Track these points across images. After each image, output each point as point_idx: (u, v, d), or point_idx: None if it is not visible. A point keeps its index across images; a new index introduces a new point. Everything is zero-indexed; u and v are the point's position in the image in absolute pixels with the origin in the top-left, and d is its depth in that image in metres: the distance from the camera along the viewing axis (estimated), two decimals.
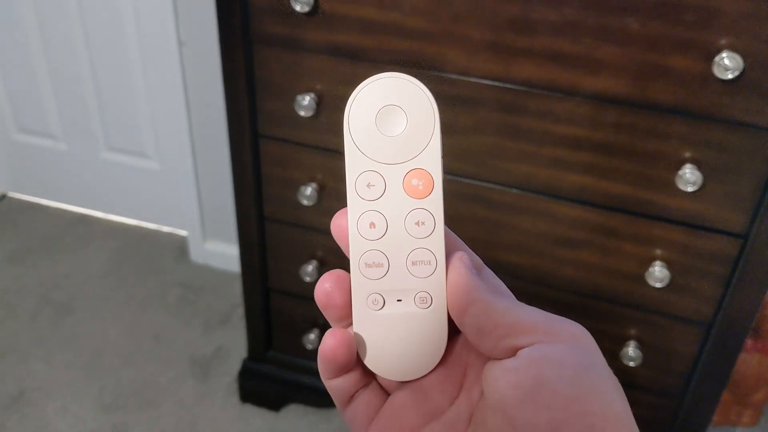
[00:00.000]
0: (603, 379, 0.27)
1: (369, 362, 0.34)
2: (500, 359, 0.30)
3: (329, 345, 0.33)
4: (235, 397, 1.50)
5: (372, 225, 0.33)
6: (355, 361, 0.34)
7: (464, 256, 0.33)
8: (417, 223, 0.33)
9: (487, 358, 0.32)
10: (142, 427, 1.44)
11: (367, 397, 0.34)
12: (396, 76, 0.33)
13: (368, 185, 0.33)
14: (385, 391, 0.35)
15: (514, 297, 0.33)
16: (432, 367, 0.34)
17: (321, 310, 0.34)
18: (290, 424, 1.45)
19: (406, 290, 0.33)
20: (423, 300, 0.33)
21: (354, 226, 0.33)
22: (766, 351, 1.32)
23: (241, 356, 1.55)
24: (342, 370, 0.33)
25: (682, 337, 1.06)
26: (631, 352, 1.07)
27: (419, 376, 0.34)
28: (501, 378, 0.28)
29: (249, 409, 1.48)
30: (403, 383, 0.34)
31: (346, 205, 0.33)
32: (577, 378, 0.27)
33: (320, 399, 1.41)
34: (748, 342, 1.32)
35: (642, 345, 1.08)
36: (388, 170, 0.33)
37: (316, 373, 1.31)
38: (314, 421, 1.45)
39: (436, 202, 0.33)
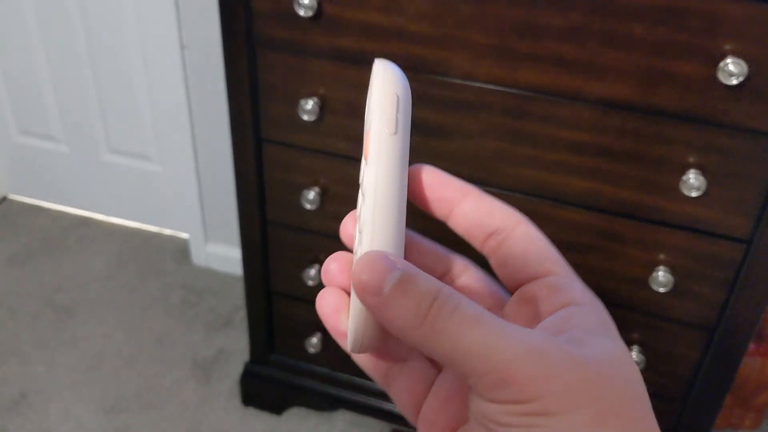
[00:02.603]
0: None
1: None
2: None
3: (325, 312, 0.30)
4: (237, 400, 1.50)
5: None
6: None
7: None
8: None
9: None
10: (144, 430, 1.44)
11: (408, 382, 0.31)
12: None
13: None
14: (428, 369, 0.31)
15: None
16: None
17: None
18: (292, 427, 1.45)
19: None
20: None
21: None
22: None
23: (243, 359, 1.55)
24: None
25: (685, 342, 1.07)
26: (635, 356, 1.07)
27: None
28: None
29: (251, 412, 1.48)
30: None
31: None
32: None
33: (322, 402, 1.41)
34: (751, 346, 1.32)
35: (645, 349, 1.08)
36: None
37: (319, 376, 1.31)
38: (316, 424, 1.45)
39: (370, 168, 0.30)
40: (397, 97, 0.30)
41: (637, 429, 0.24)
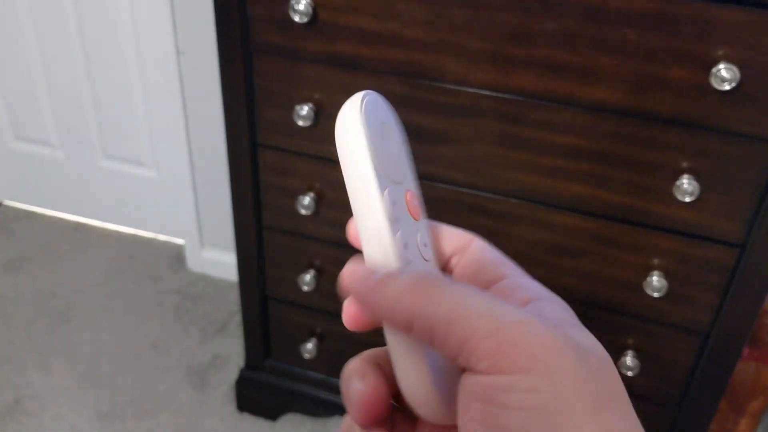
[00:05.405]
0: (558, 421, 0.23)
1: (412, 403, 0.30)
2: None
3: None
4: (232, 406, 1.49)
5: (406, 246, 0.29)
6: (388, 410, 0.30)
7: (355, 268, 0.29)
8: (425, 245, 0.31)
9: None
10: None
11: None
12: (375, 93, 0.31)
13: (394, 203, 0.29)
14: None
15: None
16: None
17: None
18: None
19: None
20: None
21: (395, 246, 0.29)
22: (763, 359, 1.32)
23: (238, 365, 1.55)
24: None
25: (679, 346, 1.07)
26: (630, 361, 1.07)
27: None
28: (460, 415, 0.25)
29: (246, 418, 1.47)
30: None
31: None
32: (528, 422, 0.23)
33: (318, 408, 1.41)
34: (745, 350, 1.32)
35: (640, 354, 1.09)
36: (397, 190, 0.30)
37: (314, 382, 1.31)
38: (312, 430, 1.45)
39: (425, 224, 0.31)
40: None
41: (631, 418, 0.24)
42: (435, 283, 0.26)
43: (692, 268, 0.99)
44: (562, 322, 0.26)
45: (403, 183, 0.30)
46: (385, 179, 0.29)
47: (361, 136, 0.29)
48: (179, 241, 1.91)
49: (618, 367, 1.08)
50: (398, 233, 0.29)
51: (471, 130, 0.97)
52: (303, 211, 1.11)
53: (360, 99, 0.30)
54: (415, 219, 0.30)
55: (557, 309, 0.27)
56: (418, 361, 0.28)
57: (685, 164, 0.91)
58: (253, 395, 1.45)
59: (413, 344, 0.28)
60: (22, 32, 1.71)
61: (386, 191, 0.29)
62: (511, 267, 0.30)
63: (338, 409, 1.39)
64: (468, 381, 0.24)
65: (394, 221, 0.29)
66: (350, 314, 0.30)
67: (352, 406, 0.29)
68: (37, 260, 1.86)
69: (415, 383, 0.29)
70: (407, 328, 0.26)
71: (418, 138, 1.00)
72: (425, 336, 0.26)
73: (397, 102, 0.98)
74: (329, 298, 1.23)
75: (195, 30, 1.50)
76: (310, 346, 1.30)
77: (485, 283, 0.30)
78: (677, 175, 0.91)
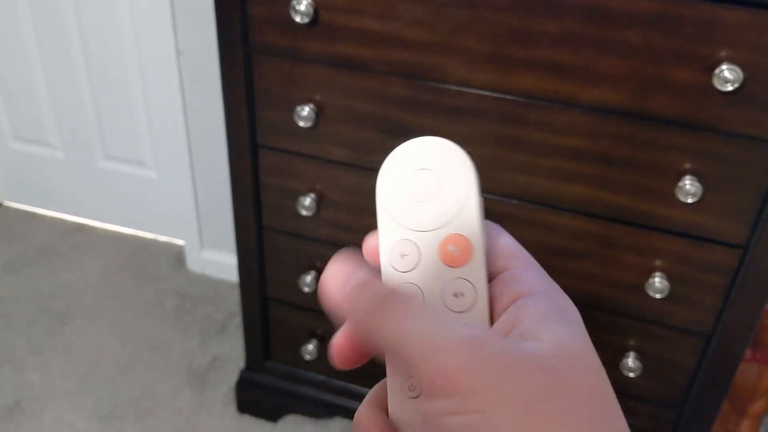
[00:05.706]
0: None
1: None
2: None
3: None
4: (232, 408, 1.49)
5: None
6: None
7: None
8: (455, 295, 0.30)
9: None
10: None
11: None
12: (427, 139, 0.31)
13: (402, 255, 0.30)
14: None
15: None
16: None
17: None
18: None
19: None
20: None
21: None
22: (765, 361, 1.32)
23: (238, 366, 1.54)
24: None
25: (681, 348, 1.06)
26: (631, 363, 1.07)
27: None
28: None
29: (246, 420, 1.47)
30: None
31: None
32: None
33: (318, 409, 1.41)
34: (747, 352, 1.32)
35: (642, 355, 1.08)
36: (422, 238, 0.30)
37: (314, 384, 1.30)
38: None
39: (476, 270, 0.29)
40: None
41: (576, 422, 0.24)
42: (388, 306, 0.27)
43: (694, 270, 0.98)
44: (538, 321, 0.26)
45: (442, 228, 0.30)
46: (398, 229, 0.30)
47: (378, 188, 0.31)
48: (179, 241, 1.91)
49: (619, 369, 1.07)
50: (401, 285, 0.30)
51: (472, 131, 0.97)
52: (304, 212, 1.10)
53: (397, 149, 0.31)
54: (451, 266, 0.30)
55: (538, 305, 0.27)
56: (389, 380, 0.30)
57: (687, 165, 0.91)
58: (253, 397, 1.45)
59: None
60: (22, 32, 1.71)
61: (395, 242, 0.30)
62: (516, 257, 0.30)
63: (339, 411, 1.39)
64: (418, 404, 0.26)
65: (395, 272, 0.30)
66: (341, 349, 0.30)
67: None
68: (37, 261, 1.86)
69: (389, 400, 0.30)
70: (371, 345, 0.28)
71: None
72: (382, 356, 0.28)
73: (397, 103, 0.98)
74: None
75: (195, 30, 1.50)
76: (310, 347, 1.29)
77: (492, 274, 0.30)
78: (679, 176, 0.91)
